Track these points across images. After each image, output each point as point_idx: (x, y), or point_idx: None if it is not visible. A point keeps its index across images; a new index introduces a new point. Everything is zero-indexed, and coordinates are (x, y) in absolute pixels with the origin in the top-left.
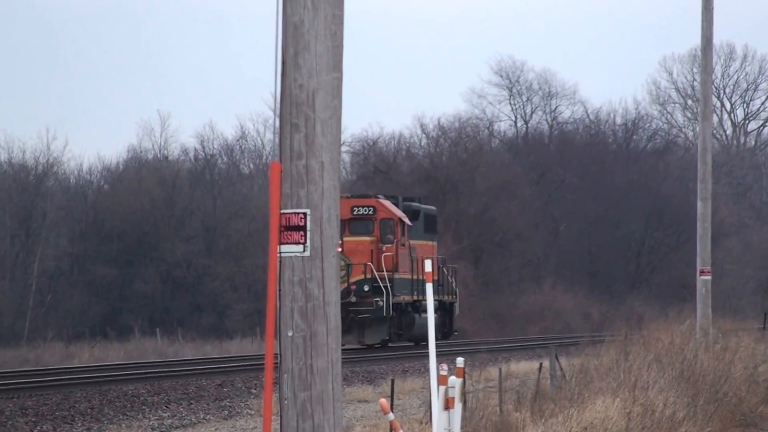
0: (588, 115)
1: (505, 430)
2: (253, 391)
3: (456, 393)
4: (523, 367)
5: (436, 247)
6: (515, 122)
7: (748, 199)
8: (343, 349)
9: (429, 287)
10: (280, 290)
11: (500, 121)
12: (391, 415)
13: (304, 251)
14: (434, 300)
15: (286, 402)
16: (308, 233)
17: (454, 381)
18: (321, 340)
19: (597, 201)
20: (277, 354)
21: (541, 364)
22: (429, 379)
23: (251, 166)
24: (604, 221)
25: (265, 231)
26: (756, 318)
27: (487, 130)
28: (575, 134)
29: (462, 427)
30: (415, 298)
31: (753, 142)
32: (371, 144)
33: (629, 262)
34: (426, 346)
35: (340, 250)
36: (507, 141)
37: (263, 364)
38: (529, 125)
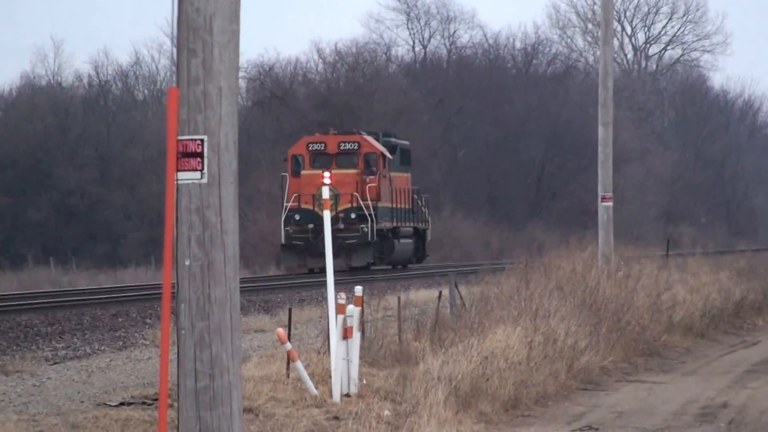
0: (487, 40)
1: (404, 360)
2: (148, 321)
3: (354, 322)
4: (423, 295)
5: (410, 177)
6: (413, 47)
7: (650, 125)
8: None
9: (326, 214)
10: (177, 218)
11: (398, 46)
12: (289, 345)
13: (201, 178)
14: (409, 227)
15: (183, 332)
16: (206, 160)
17: (353, 310)
18: (218, 269)
19: (496, 127)
20: (174, 283)
21: (440, 292)
22: (327, 308)
23: (146, 92)
24: (503, 147)
25: (160, 158)
26: (658, 245)
27: (384, 55)
28: (474, 59)
29: (361, 357)
30: (395, 225)
31: (654, 67)
32: (267, 70)
33: (529, 189)
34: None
35: (329, 182)
36: (405, 66)
37: (158, 294)
38: (427, 50)
